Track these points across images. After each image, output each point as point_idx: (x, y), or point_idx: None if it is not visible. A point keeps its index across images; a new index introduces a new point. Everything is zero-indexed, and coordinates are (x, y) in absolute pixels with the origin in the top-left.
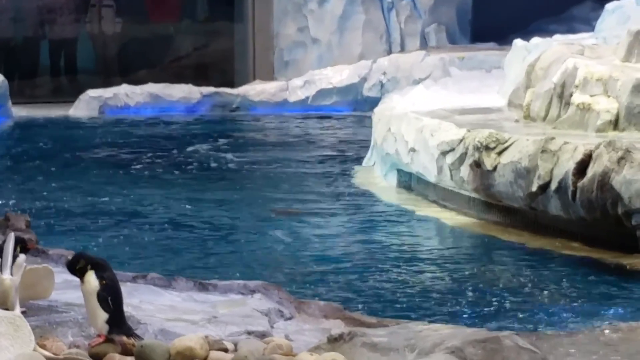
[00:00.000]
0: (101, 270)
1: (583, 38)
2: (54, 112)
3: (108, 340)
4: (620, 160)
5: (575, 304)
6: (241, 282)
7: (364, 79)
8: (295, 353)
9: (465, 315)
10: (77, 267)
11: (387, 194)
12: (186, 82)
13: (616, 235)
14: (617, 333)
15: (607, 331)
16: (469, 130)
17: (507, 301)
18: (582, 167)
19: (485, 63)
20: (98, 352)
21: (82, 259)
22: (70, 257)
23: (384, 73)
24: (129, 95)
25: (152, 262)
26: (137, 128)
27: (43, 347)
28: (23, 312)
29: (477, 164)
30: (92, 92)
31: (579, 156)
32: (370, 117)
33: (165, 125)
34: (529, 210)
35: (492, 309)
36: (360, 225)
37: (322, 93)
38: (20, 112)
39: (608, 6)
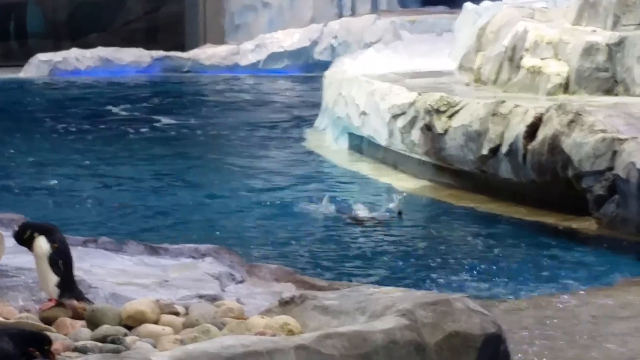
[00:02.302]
0: (51, 234)
1: (533, 1)
2: (3, 75)
3: (59, 304)
4: (571, 123)
5: (525, 268)
6: (192, 245)
7: (315, 43)
8: (247, 316)
9: (415, 279)
10: (24, 237)
11: (338, 157)
12: (137, 45)
13: (566, 197)
14: (569, 297)
15: (559, 296)
16: (419, 94)
17: (457, 265)
18: (532, 130)
19: (436, 26)
20: (49, 316)
21: (29, 228)
22: (17, 228)
23: (335, 37)
24: (79, 59)
25: (102, 226)
26: (83, 90)
27: None
28: None
29: (428, 128)
30: (42, 56)
31: (529, 119)
32: (321, 81)
33: (113, 87)
34: (480, 173)
35: (441, 272)
36: (311, 188)
37: (273, 57)
38: None
39: None
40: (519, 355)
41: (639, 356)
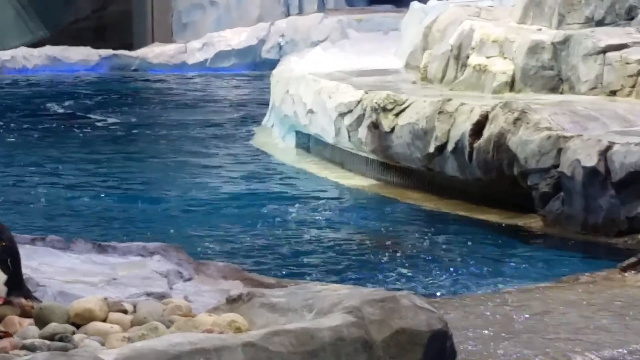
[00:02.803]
0: None
1: (479, 0)
2: None
3: (7, 302)
4: (516, 121)
5: (471, 266)
6: (140, 244)
7: (262, 41)
8: (194, 314)
9: (362, 276)
10: None
11: (286, 155)
12: (85, 44)
13: (512, 195)
14: (513, 294)
15: (504, 292)
16: (366, 92)
17: (404, 262)
18: (478, 128)
19: (383, 25)
20: None
21: None
22: None
23: (282, 35)
24: (27, 58)
25: (49, 224)
26: (30, 89)
27: None
28: None
29: (375, 126)
30: None
31: (475, 117)
32: (268, 79)
33: (60, 86)
34: (426, 171)
35: (388, 269)
36: (258, 187)
37: (220, 55)
38: None
39: None
40: (465, 351)
41: (580, 351)
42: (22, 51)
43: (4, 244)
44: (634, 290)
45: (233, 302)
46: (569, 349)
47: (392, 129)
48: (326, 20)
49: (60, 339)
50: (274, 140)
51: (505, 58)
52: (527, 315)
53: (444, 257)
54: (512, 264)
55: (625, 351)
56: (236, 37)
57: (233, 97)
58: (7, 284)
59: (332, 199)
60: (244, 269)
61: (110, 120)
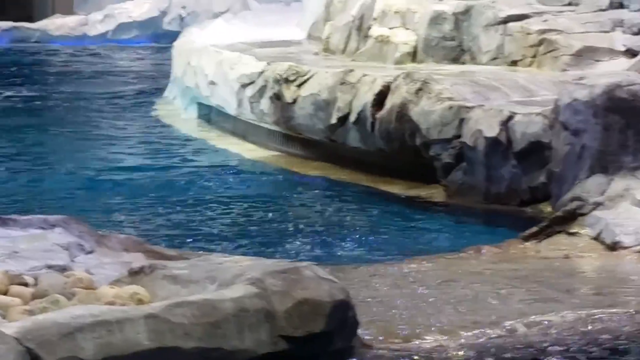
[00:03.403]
0: None
1: None
2: None
3: None
4: (418, 91)
5: (374, 236)
6: (41, 216)
7: (163, 13)
8: (96, 286)
9: (264, 247)
10: None
11: (188, 127)
12: None
13: (415, 166)
14: (416, 264)
15: (407, 262)
16: (268, 63)
17: (306, 233)
18: (380, 98)
19: None
20: None
21: None
22: None
23: (184, 7)
24: None
25: None
26: None
27: None
28: None
29: (277, 97)
30: None
31: (377, 88)
32: (170, 51)
33: None
34: (329, 142)
35: (291, 240)
36: (160, 159)
37: (122, 27)
38: None
39: None
40: (367, 321)
41: (481, 320)
42: None
43: None
44: (536, 260)
45: (135, 274)
46: (471, 319)
47: (295, 101)
48: None
49: None
50: (176, 112)
51: (407, 29)
52: (430, 286)
53: (347, 228)
54: (415, 234)
55: (525, 322)
56: (138, 9)
57: (135, 69)
58: None
59: (234, 170)
60: (146, 241)
61: (10, 93)
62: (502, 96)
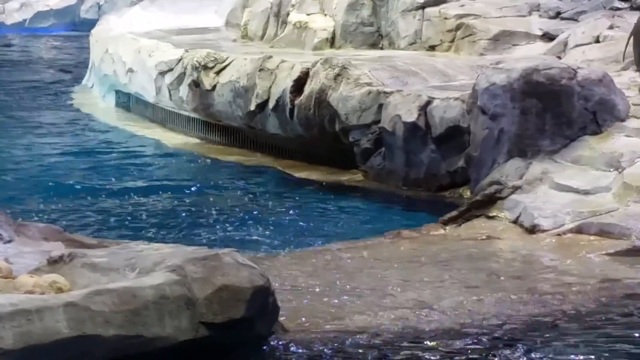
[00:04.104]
0: None
1: None
2: None
3: None
4: (337, 77)
5: (294, 222)
6: None
7: (80, 1)
8: (15, 275)
9: (184, 235)
10: None
11: (106, 115)
12: None
13: (334, 151)
14: (336, 250)
15: (327, 248)
16: (187, 51)
17: (226, 220)
18: (299, 84)
19: None
20: None
21: None
22: None
23: None
24: None
25: None
26: None
27: None
28: None
29: (196, 84)
30: None
31: (296, 74)
32: (88, 39)
33: None
34: (248, 129)
35: (211, 227)
36: (78, 147)
37: (39, 15)
38: None
39: None
40: (287, 306)
41: (400, 304)
42: None
43: None
44: (455, 243)
45: (54, 263)
46: (390, 303)
47: (213, 87)
48: None
49: None
50: (94, 100)
51: (325, 15)
52: (350, 270)
53: (268, 214)
54: (335, 220)
55: (444, 305)
56: None
57: (52, 57)
58: None
59: (153, 158)
60: (65, 230)
61: None
62: (420, 81)
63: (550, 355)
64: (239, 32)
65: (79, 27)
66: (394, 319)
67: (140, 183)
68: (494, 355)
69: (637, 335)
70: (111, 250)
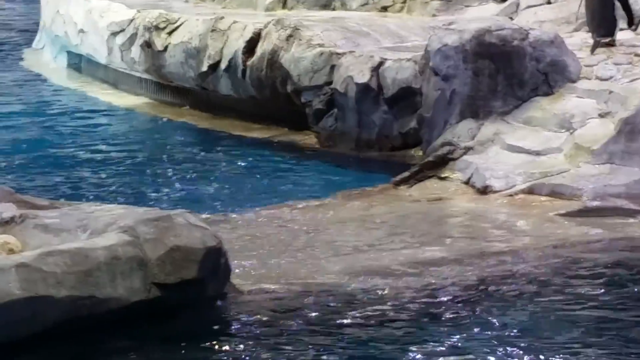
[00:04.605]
0: None
1: None
2: None
3: None
4: (289, 38)
5: (247, 183)
6: None
7: None
8: None
9: (137, 196)
10: None
11: (58, 76)
12: None
13: (286, 113)
14: (288, 211)
15: (280, 209)
16: (139, 11)
17: (179, 180)
18: (251, 45)
19: None
20: None
21: None
22: None
23: None
24: None
25: None
26: None
27: None
28: None
29: (148, 45)
30: None
31: (248, 35)
32: (38, 0)
33: None
34: (201, 90)
35: (164, 188)
36: (30, 108)
37: None
38: None
39: None
40: (240, 267)
41: (352, 264)
42: None
43: None
44: (407, 203)
45: (6, 224)
46: (341, 262)
47: (165, 48)
48: None
49: None
50: (45, 61)
51: None
52: (302, 231)
53: (220, 175)
54: (287, 181)
55: (397, 262)
56: None
57: (2, 18)
58: None
59: (105, 119)
60: (16, 191)
61: None
62: (372, 42)
63: (502, 315)
64: None
65: None
66: (345, 278)
67: (92, 144)
68: (445, 315)
69: (585, 294)
70: (63, 211)
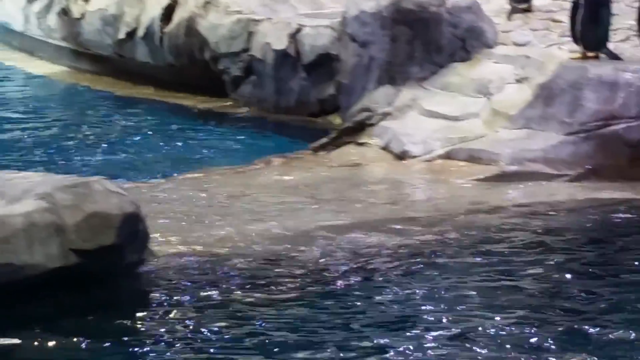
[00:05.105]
0: None
1: None
2: None
3: None
4: (206, 4)
5: (166, 150)
6: None
7: None
8: None
9: (54, 164)
10: None
11: None
12: None
13: (205, 80)
14: (209, 177)
15: (200, 175)
16: None
17: (97, 147)
18: (168, 12)
19: None
20: None
21: None
22: None
23: None
24: None
25: None
26: None
27: None
28: None
29: (65, 12)
30: None
31: (165, 2)
32: None
33: None
34: (118, 57)
35: (82, 155)
36: None
37: None
38: None
39: None
40: (158, 232)
41: (270, 230)
42: None
43: None
44: (326, 169)
45: None
46: (260, 229)
47: (82, 15)
48: None
49: None
50: None
51: None
52: (221, 197)
53: (138, 142)
54: (206, 147)
55: (312, 226)
56: None
57: None
58: None
59: (22, 87)
60: None
61: None
62: (290, 9)
63: (420, 283)
64: None
65: None
66: (265, 244)
67: (9, 112)
68: (365, 282)
69: (498, 261)
70: None
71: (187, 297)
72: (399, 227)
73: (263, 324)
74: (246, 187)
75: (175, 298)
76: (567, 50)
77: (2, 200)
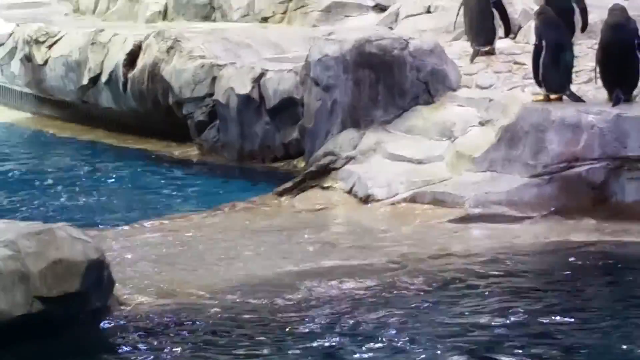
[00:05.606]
0: None
1: None
2: None
3: None
4: (170, 49)
5: (130, 196)
6: None
7: None
8: None
9: (18, 211)
10: None
11: None
12: None
13: (169, 125)
14: (172, 223)
15: (165, 221)
16: (18, 25)
17: (61, 195)
18: (132, 58)
19: None
20: None
21: None
22: None
23: None
24: None
25: None
26: None
27: None
28: None
29: (28, 59)
30: None
31: (129, 47)
32: None
33: None
34: (82, 103)
35: (46, 203)
36: None
37: None
38: None
39: None
40: (123, 279)
41: (236, 275)
42: None
43: None
44: (290, 214)
45: None
46: (225, 274)
47: (46, 62)
48: None
49: None
50: None
51: None
52: (186, 243)
53: (103, 188)
54: (171, 193)
55: (271, 273)
56: None
57: None
58: None
59: None
60: None
61: None
62: (253, 53)
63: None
64: (71, 7)
65: None
66: (229, 290)
67: None
68: (330, 329)
69: (469, 304)
70: None
71: (154, 344)
72: (363, 270)
73: None
74: (211, 232)
75: (140, 347)
76: (530, 92)
77: None
